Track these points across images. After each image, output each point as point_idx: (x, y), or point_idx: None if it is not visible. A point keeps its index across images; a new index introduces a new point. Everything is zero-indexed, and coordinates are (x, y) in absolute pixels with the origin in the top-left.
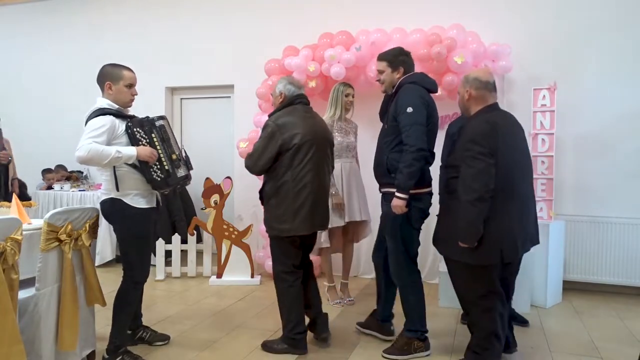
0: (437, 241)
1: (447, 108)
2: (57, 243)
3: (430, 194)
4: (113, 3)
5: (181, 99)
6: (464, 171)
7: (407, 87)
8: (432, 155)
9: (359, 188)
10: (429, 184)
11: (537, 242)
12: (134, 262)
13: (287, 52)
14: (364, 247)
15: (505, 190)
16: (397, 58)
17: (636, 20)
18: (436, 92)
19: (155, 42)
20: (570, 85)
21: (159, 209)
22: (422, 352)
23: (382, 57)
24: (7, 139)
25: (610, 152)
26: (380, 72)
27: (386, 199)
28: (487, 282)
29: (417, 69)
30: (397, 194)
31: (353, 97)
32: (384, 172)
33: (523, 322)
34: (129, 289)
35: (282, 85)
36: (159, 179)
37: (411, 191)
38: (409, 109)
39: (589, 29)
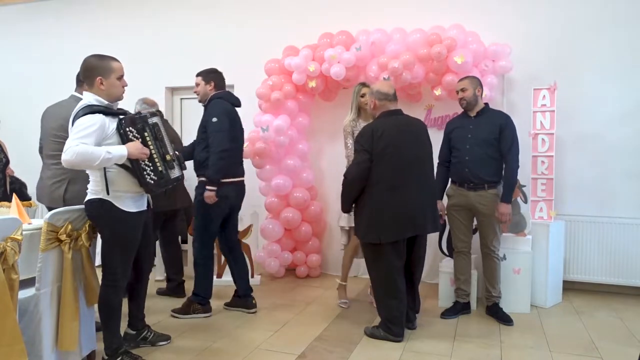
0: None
1: (446, 108)
2: (57, 243)
3: (233, 184)
4: (113, 3)
5: (181, 99)
6: (353, 160)
7: (214, 102)
8: (235, 153)
9: None
10: (231, 176)
11: (421, 230)
12: (117, 266)
13: (287, 52)
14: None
15: (384, 181)
16: (209, 75)
17: (636, 19)
18: (239, 106)
19: (155, 42)
20: (570, 85)
21: (149, 211)
22: (200, 313)
23: (197, 74)
24: (0, 141)
25: (610, 152)
26: (197, 85)
27: (199, 186)
28: (384, 261)
29: (418, 68)
30: (207, 187)
31: None
32: (197, 166)
33: (507, 321)
34: (112, 292)
35: (138, 105)
36: (152, 181)
37: (203, 179)
38: (214, 119)
39: (589, 28)
